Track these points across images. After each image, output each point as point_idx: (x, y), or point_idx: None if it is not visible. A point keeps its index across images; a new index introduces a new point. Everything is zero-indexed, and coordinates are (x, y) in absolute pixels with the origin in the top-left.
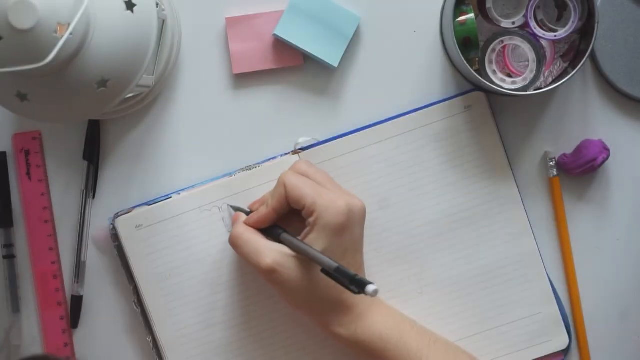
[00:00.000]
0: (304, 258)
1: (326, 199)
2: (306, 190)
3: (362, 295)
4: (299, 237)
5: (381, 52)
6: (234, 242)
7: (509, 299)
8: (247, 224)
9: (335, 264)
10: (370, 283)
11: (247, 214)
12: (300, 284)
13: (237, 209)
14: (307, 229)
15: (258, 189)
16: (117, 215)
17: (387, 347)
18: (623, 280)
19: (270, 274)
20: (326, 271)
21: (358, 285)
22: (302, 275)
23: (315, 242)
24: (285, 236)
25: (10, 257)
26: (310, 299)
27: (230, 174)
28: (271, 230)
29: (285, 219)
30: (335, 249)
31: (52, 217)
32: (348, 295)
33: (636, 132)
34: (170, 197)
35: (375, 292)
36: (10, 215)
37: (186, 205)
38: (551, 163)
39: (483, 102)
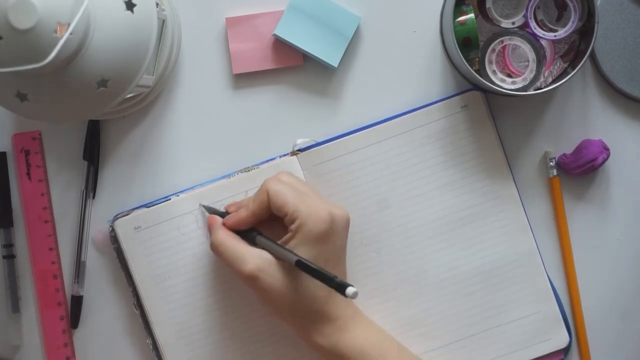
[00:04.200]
0: (287, 265)
1: (309, 207)
2: (289, 198)
3: (345, 307)
4: (279, 242)
5: (381, 52)
6: (215, 249)
7: (509, 298)
8: (224, 224)
9: (313, 264)
10: (350, 285)
11: (222, 215)
12: (282, 291)
13: (210, 210)
14: (289, 234)
15: (256, 191)
16: (116, 217)
17: None
18: (623, 280)
19: (252, 280)
20: (307, 269)
21: (337, 287)
22: (284, 282)
23: (296, 248)
24: (260, 238)
25: (10, 257)
26: (292, 307)
27: (228, 176)
28: (247, 233)
29: (264, 227)
30: (316, 257)
31: (52, 217)
32: (331, 306)
33: (636, 132)
34: (169, 199)
35: (355, 295)
36: (10, 215)
37: (185, 207)
38: (551, 163)
39: (479, 101)
